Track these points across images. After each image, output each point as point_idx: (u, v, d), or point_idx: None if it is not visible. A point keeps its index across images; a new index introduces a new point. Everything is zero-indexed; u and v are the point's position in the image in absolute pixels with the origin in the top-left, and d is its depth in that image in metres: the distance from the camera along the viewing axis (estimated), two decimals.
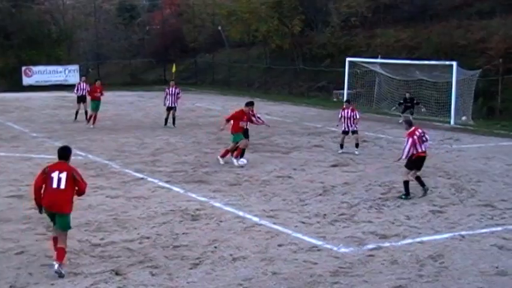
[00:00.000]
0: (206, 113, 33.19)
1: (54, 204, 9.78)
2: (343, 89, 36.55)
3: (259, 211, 13.37)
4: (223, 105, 37.14)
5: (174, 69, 41.78)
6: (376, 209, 13.75)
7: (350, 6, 44.42)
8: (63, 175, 9.87)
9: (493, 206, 13.99)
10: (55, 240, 9.92)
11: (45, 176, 9.94)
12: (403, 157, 14.87)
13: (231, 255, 10.48)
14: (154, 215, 12.93)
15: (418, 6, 42.71)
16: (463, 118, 30.40)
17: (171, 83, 28.00)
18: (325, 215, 13.16)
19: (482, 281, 9.44)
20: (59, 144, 21.61)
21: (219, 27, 53.21)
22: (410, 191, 14.81)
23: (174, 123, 26.91)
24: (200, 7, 56.23)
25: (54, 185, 9.81)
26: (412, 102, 29.31)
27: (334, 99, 39.61)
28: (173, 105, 26.96)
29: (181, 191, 15.10)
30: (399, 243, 11.26)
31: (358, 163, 19.07)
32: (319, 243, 11.23)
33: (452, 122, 29.82)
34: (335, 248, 10.94)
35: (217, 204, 13.90)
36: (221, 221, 12.54)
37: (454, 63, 30.22)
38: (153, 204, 13.74)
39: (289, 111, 34.45)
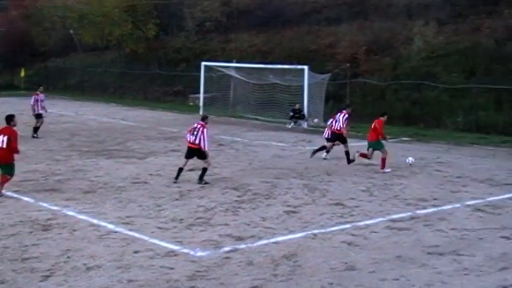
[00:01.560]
0: (58, 119, 32.15)
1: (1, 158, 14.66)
2: (199, 93, 36.72)
3: (114, 218, 13.12)
4: (76, 111, 36.25)
5: (22, 73, 40.18)
6: (232, 211, 13.89)
7: (204, 11, 44.78)
8: (5, 138, 14.56)
9: (343, 205, 14.56)
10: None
11: None
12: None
13: (84, 264, 10.19)
14: (1, 227, 12.32)
15: (271, 12, 43.79)
16: (315, 120, 31.43)
17: (40, 88, 26.68)
18: (182, 219, 13.13)
19: (333, 276, 9.78)
20: None
21: (71, 31, 51.82)
22: (266, 192, 15.22)
23: (36, 132, 25.21)
24: (50, 9, 54.45)
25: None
26: (300, 113, 30.18)
27: (191, 104, 39.71)
28: (41, 112, 25.62)
29: (32, 201, 14.51)
30: (255, 245, 11.42)
31: (214, 166, 19.13)
32: (176, 248, 11.17)
33: (305, 124, 30.76)
34: (192, 252, 10.93)
35: (70, 213, 13.48)
36: (74, 230, 12.17)
37: (306, 68, 31.23)
38: (0, 216, 13.10)
39: (145, 116, 34.16)
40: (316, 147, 21.34)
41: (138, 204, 14.35)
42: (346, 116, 20.18)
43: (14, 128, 15.10)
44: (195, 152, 16.95)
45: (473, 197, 15.60)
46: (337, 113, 20.78)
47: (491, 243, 11.67)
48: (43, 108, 25.93)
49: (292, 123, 30.44)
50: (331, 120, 21.06)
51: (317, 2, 43.68)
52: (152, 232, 12.17)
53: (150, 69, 46.12)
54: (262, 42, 42.13)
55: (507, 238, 11.96)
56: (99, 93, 47.81)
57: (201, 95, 36.32)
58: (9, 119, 15.11)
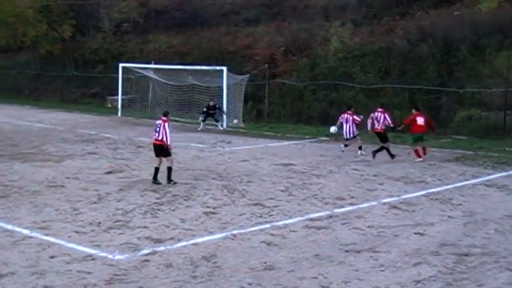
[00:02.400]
0: None
1: None
2: (117, 95, 36.25)
3: (29, 223, 12.79)
4: None
5: None
6: (152, 213, 13.77)
7: (121, 12, 44.22)
8: None
9: (262, 205, 14.65)
10: None
11: None
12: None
13: None
14: None
15: (189, 13, 43.68)
16: (235, 121, 31.56)
17: None
18: (100, 222, 12.92)
19: (252, 276, 9.83)
20: None
21: None
22: (186, 194, 15.28)
23: None
24: None
25: None
26: (215, 109, 30.01)
27: (109, 106, 39.14)
28: None
29: None
30: (174, 247, 11.36)
31: (133, 169, 19.00)
32: (93, 252, 10.98)
33: (224, 125, 30.80)
34: (110, 256, 10.77)
35: None
36: None
37: (224, 69, 31.32)
38: None
39: (62, 119, 33.42)
40: (375, 148, 21.65)
41: (54, 208, 14.04)
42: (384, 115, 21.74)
43: None
44: (159, 148, 16.91)
45: (389, 194, 15.98)
46: (374, 113, 21.94)
47: (406, 239, 11.99)
48: None
49: (201, 119, 30.08)
50: (370, 121, 21.94)
51: (235, 3, 43.84)
52: (69, 236, 11.93)
53: (67, 71, 45.17)
54: (180, 43, 41.94)
55: (421, 234, 12.31)
56: (13, 95, 46.47)
57: (119, 97, 35.87)
58: None
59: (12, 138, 25.41)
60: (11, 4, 45.41)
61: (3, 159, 20.35)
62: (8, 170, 18.63)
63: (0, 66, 49.67)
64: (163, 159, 16.94)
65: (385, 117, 21.64)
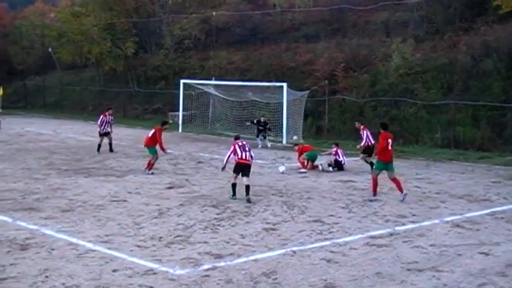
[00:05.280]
0: (37, 137, 31.97)
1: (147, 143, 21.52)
2: (178, 110, 36.71)
3: (93, 237, 13.03)
4: (55, 129, 36.05)
5: (1, 92, 39.97)
6: (212, 229, 13.85)
7: (183, 29, 44.88)
8: (152, 131, 21.33)
9: (322, 222, 14.57)
10: None
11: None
12: (224, 161, 17.62)
13: (63, 284, 10.10)
14: None
15: (249, 30, 44.05)
16: (294, 137, 31.47)
17: (110, 111, 27.33)
18: (161, 237, 13.07)
19: None
20: None
21: (50, 49, 51.74)
22: (246, 209, 15.23)
23: (111, 147, 26.78)
24: (28, 28, 54.36)
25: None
26: (265, 127, 29.97)
27: (170, 121, 39.55)
28: (108, 131, 26.64)
29: (10, 220, 14.35)
30: (234, 262, 11.39)
31: (193, 184, 19.19)
32: (155, 266, 11.11)
33: (284, 141, 30.81)
34: (171, 270, 10.87)
35: (48, 232, 13.36)
36: (53, 249, 12.06)
37: (284, 85, 31.34)
38: None
39: (124, 134, 33.98)
40: None
41: (117, 223, 14.26)
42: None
43: (163, 130, 21.55)
44: (246, 167, 17.11)
45: (452, 213, 15.70)
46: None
47: (470, 259, 11.73)
48: (110, 127, 26.85)
49: (261, 138, 29.86)
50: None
51: (295, 20, 44.00)
52: (131, 250, 12.09)
53: (129, 87, 46.08)
54: (241, 59, 42.28)
55: (485, 254, 12.04)
56: (78, 111, 47.63)
57: (180, 113, 36.30)
58: (164, 123, 22.25)
59: (77, 153, 26.01)
60: (77, 23, 46.76)
61: (68, 174, 20.83)
62: (73, 184, 19.05)
63: (66, 83, 51.04)
64: (245, 178, 16.97)
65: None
